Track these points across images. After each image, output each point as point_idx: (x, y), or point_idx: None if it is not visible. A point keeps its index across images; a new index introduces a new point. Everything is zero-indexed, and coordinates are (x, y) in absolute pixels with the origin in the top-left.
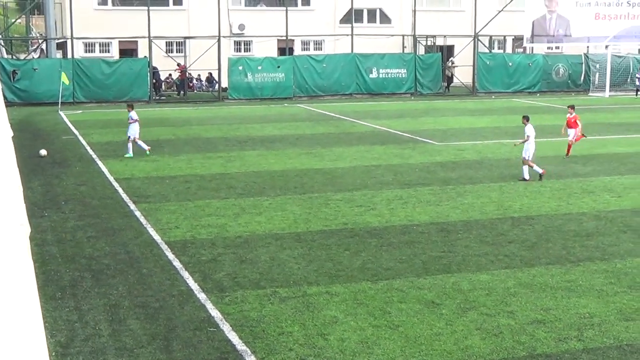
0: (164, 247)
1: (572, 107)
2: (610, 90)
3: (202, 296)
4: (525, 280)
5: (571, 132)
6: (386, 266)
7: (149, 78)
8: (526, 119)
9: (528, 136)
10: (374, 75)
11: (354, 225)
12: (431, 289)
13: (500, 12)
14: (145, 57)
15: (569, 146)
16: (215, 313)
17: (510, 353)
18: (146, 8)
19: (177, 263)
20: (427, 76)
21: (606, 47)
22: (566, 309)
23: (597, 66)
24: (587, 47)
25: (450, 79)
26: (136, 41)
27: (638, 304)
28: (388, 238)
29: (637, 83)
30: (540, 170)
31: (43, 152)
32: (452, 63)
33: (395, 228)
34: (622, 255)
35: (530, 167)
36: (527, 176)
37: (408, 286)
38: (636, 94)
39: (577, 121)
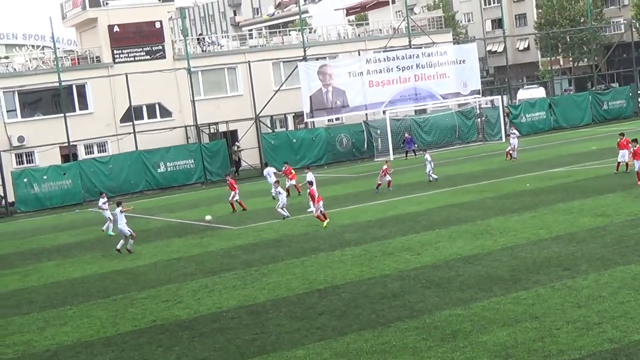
0: None
1: (622, 134)
2: (393, 153)
3: None
4: (341, 349)
5: (624, 153)
6: (201, 357)
7: None
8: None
9: None
10: (162, 169)
11: (163, 321)
12: None
13: (277, 92)
14: None
15: (627, 165)
16: None
17: None
18: None
19: None
20: (215, 163)
21: (383, 112)
22: None
23: (378, 132)
24: (366, 114)
25: (238, 163)
26: None
27: (452, 355)
28: (199, 328)
29: (405, 145)
30: None
31: (208, 217)
32: (238, 147)
33: (204, 317)
34: (430, 310)
35: None
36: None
37: None
38: (406, 156)
39: (629, 144)
